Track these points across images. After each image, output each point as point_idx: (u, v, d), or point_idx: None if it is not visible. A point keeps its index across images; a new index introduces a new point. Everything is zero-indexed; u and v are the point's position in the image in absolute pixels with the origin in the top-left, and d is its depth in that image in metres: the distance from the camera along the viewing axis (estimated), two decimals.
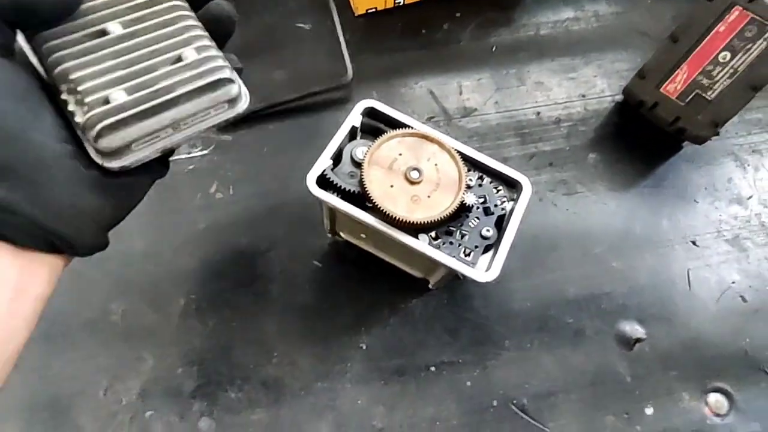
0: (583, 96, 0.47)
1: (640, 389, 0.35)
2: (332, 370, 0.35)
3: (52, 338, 0.36)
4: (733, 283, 0.39)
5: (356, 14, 0.50)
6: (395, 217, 0.29)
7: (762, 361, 0.37)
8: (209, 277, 0.38)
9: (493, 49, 0.49)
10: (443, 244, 0.30)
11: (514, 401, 0.35)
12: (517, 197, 0.32)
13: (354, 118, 0.33)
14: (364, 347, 0.36)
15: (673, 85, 0.40)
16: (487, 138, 0.45)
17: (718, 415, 0.35)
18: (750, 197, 0.43)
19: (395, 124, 0.34)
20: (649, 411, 0.35)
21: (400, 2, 0.49)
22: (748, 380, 0.36)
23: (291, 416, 0.34)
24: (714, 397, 0.35)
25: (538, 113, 0.46)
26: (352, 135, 0.34)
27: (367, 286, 0.38)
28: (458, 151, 0.32)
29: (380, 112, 0.34)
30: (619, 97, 0.47)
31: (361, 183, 0.30)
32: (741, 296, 0.39)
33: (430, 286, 0.37)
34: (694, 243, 0.41)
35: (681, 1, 0.51)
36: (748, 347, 0.37)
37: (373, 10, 0.50)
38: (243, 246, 0.39)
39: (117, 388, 0.35)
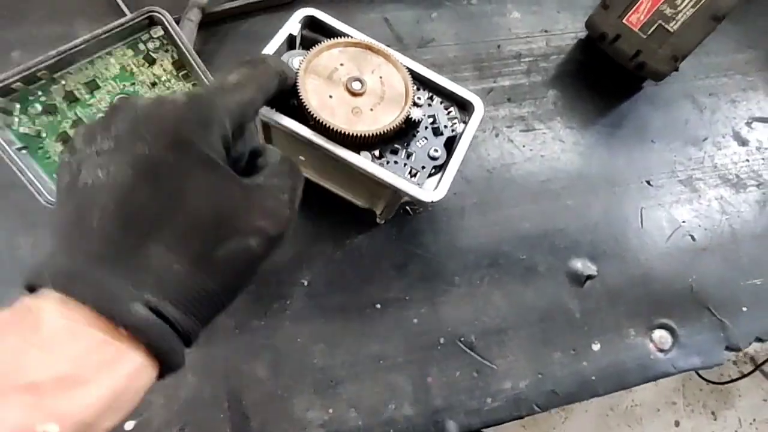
0: (546, 31, 0.45)
1: (589, 325, 0.35)
2: (270, 308, 0.33)
3: None
4: (684, 222, 0.39)
5: None
6: (333, 129, 0.26)
7: (706, 299, 0.37)
8: None
9: None
10: (387, 163, 0.28)
11: (462, 338, 0.33)
12: (469, 118, 0.30)
13: (292, 26, 0.29)
14: (305, 283, 0.33)
15: (636, 16, 0.38)
16: (444, 70, 0.42)
17: (661, 350, 0.35)
18: (705, 139, 0.42)
19: (339, 36, 0.30)
20: (596, 347, 0.34)
21: None
22: (692, 316, 0.36)
23: (224, 356, 0.31)
24: (659, 333, 0.35)
25: (499, 47, 0.43)
26: (290, 46, 0.30)
27: (310, 220, 0.35)
28: (406, 67, 0.29)
29: (322, 22, 0.30)
30: (582, 34, 0.45)
31: (296, 92, 0.26)
32: (690, 235, 0.38)
33: (377, 219, 0.34)
34: (648, 183, 0.40)
35: None
36: (694, 284, 0.37)
37: None
38: None
39: None
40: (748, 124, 0.43)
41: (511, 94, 0.42)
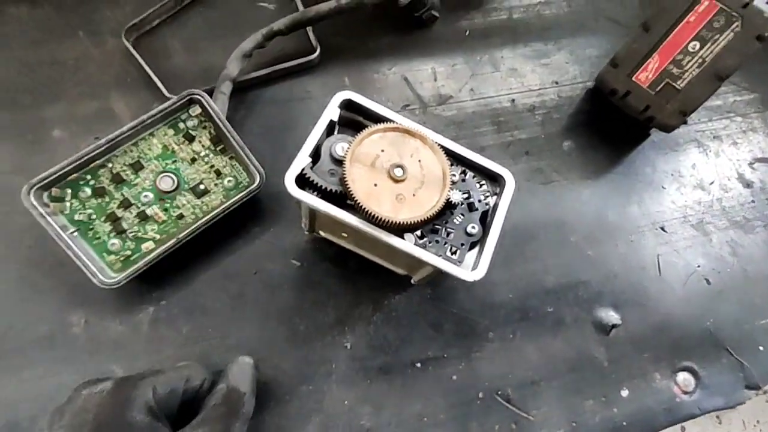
0: (556, 83, 0.47)
1: (616, 372, 0.37)
2: (317, 372, 0.34)
3: (3, 356, 0.33)
4: (698, 266, 0.41)
5: None
6: (380, 218, 0.28)
7: (723, 340, 0.39)
8: (178, 281, 0.36)
9: (467, 33, 0.48)
10: (429, 243, 0.30)
11: (499, 392, 0.35)
12: (501, 191, 0.32)
13: (331, 111, 0.31)
14: (349, 346, 0.35)
15: (645, 74, 0.40)
16: (464, 126, 0.44)
17: (686, 392, 0.37)
18: (712, 182, 0.45)
19: (374, 117, 0.32)
20: (624, 393, 0.36)
21: None
22: (712, 358, 0.38)
23: (276, 422, 0.33)
24: (682, 376, 0.37)
25: (513, 100, 0.46)
26: (329, 130, 0.32)
27: (348, 284, 0.37)
28: (441, 146, 0.31)
29: (358, 104, 0.32)
30: (591, 84, 0.47)
31: (343, 182, 0.28)
32: (705, 279, 0.41)
33: (412, 281, 0.36)
34: (662, 229, 0.42)
35: None
36: (712, 327, 0.39)
37: None
38: (214, 245, 0.37)
39: None
40: (751, 165, 0.46)
41: (528, 147, 0.44)
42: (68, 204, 0.33)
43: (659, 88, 0.40)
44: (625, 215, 0.42)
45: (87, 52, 0.42)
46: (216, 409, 0.27)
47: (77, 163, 0.33)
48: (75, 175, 0.33)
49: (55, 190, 0.32)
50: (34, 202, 0.32)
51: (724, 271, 0.41)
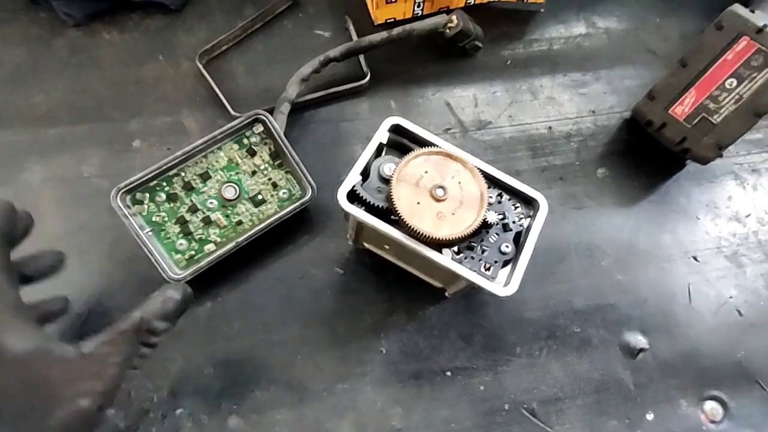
0: (593, 112, 0.49)
1: (642, 396, 0.38)
2: (353, 373, 0.37)
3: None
4: (731, 297, 0.41)
5: (375, 24, 0.51)
6: (422, 233, 0.30)
7: (755, 372, 0.39)
8: (234, 281, 0.40)
9: (508, 62, 0.50)
10: (465, 258, 0.32)
11: (524, 405, 0.37)
12: (534, 214, 0.34)
13: (381, 134, 0.34)
14: (383, 351, 0.38)
15: (681, 108, 0.42)
16: (501, 151, 0.46)
17: (713, 421, 0.37)
18: (748, 215, 0.45)
19: (419, 141, 0.35)
20: (649, 417, 0.37)
21: (418, 14, 0.51)
22: (742, 389, 0.38)
23: (314, 415, 0.36)
24: (710, 405, 0.38)
25: (550, 128, 0.48)
26: (378, 151, 0.35)
27: (385, 293, 0.40)
28: (480, 169, 0.34)
29: (405, 128, 0.35)
30: (627, 114, 0.49)
31: (389, 199, 0.31)
32: (737, 310, 0.41)
33: (446, 294, 0.39)
34: (694, 258, 0.43)
35: (688, 21, 0.53)
36: (743, 359, 0.39)
37: (392, 20, 0.51)
38: (267, 250, 0.41)
39: (148, 386, 0.36)
40: None
41: (563, 173, 0.46)
42: (146, 207, 0.38)
43: (695, 121, 0.41)
44: (657, 243, 0.43)
45: (164, 72, 0.47)
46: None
47: (157, 171, 0.37)
48: (154, 181, 0.38)
49: (137, 194, 0.37)
50: (120, 204, 0.36)
51: (757, 304, 0.41)
